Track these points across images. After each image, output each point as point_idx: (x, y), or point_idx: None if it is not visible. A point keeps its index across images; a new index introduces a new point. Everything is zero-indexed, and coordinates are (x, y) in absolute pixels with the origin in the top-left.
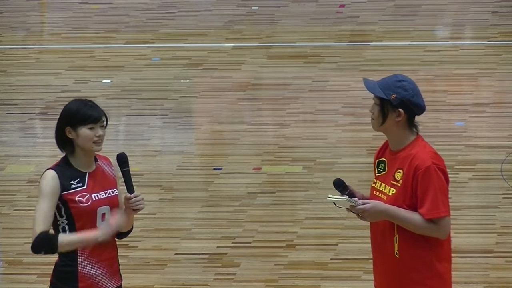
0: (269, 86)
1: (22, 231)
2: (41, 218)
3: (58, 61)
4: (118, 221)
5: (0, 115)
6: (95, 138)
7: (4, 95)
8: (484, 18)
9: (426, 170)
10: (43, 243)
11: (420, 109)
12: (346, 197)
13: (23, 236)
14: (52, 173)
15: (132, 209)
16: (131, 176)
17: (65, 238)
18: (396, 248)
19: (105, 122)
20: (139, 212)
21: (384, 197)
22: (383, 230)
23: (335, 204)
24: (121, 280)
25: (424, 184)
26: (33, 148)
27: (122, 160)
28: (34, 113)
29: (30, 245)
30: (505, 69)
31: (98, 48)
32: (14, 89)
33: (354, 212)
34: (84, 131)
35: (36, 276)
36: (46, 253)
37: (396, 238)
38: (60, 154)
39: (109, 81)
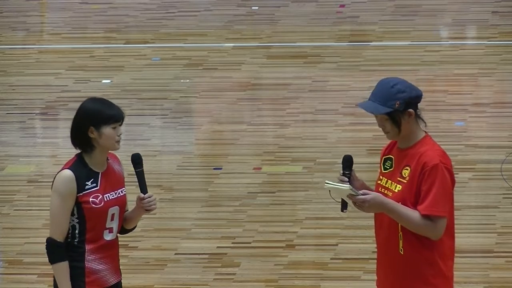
0: (269, 86)
1: (22, 231)
2: (59, 227)
3: (58, 61)
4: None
5: (0, 115)
6: (117, 138)
7: (4, 95)
8: (484, 18)
9: (433, 168)
10: (49, 253)
11: (420, 98)
12: (348, 185)
13: (23, 236)
14: (69, 174)
15: (145, 209)
16: (145, 176)
17: (62, 272)
18: (400, 245)
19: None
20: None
21: (390, 194)
22: (388, 227)
23: (329, 193)
24: (121, 275)
25: (429, 181)
26: (33, 148)
27: (137, 160)
28: (34, 113)
29: (30, 245)
30: (505, 69)
31: (98, 48)
32: (14, 89)
33: (350, 202)
34: (108, 130)
35: (36, 276)
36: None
37: (400, 235)
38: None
39: (109, 81)
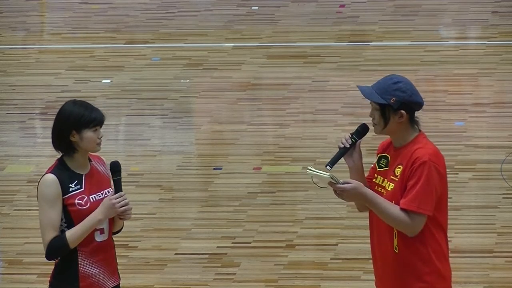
0: (269, 86)
1: (22, 231)
2: (49, 226)
3: (58, 61)
4: (115, 196)
5: (0, 115)
6: (98, 140)
7: (4, 95)
8: (484, 18)
9: (421, 165)
10: (56, 249)
11: (419, 105)
12: (328, 174)
13: (23, 236)
14: (52, 178)
15: (119, 217)
16: (122, 185)
17: (73, 234)
18: (395, 243)
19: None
20: (139, 214)
21: (384, 192)
22: (384, 226)
23: (312, 179)
24: (119, 279)
25: (415, 177)
26: (33, 148)
27: (115, 168)
28: (34, 113)
29: (30, 245)
30: (505, 69)
31: (98, 48)
32: (14, 89)
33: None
34: (89, 134)
35: (36, 276)
36: (61, 255)
37: (395, 233)
38: (60, 155)
39: (109, 81)
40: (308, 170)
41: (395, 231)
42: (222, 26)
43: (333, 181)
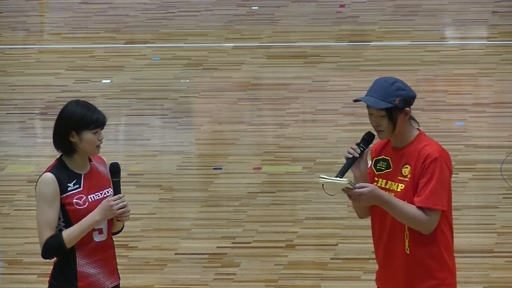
0: (269, 86)
1: (22, 231)
2: (46, 225)
3: (58, 61)
4: (113, 198)
5: (0, 115)
6: (98, 142)
7: (4, 95)
8: (484, 18)
9: (433, 161)
10: (52, 248)
11: (415, 98)
12: (346, 180)
13: (23, 236)
14: (50, 177)
15: (117, 219)
16: (121, 186)
17: (69, 234)
18: (407, 244)
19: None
20: (139, 214)
21: (393, 194)
22: (392, 228)
23: (322, 186)
24: (119, 279)
25: (427, 174)
26: (33, 148)
27: (115, 170)
28: (34, 113)
29: (30, 245)
30: (505, 69)
31: (98, 48)
32: (14, 89)
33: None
34: (89, 135)
35: (36, 276)
36: (57, 255)
37: (406, 234)
38: (59, 154)
39: (109, 81)
40: (320, 178)
41: (407, 232)
42: (222, 26)
43: (350, 186)
